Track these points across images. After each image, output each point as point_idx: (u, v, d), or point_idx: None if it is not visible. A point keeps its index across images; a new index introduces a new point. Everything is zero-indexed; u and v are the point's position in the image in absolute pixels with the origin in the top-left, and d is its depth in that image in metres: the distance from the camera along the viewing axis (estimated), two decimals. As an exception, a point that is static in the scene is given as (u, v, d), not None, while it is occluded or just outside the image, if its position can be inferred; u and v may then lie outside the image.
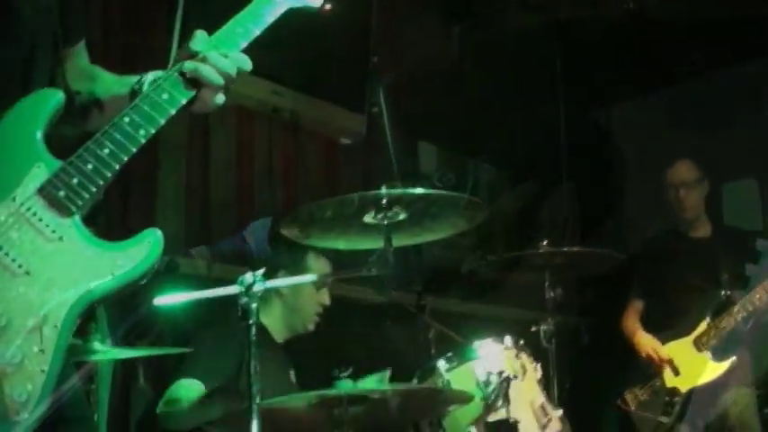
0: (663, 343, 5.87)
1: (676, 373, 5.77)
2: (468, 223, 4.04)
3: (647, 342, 5.91)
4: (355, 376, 4.41)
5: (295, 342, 5.06)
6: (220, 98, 2.30)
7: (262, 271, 3.49)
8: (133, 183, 5.19)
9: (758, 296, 5.67)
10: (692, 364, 5.76)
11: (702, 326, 5.79)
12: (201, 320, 4.87)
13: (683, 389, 5.73)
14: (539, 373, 4.49)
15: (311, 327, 5.02)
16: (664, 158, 6.54)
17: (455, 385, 4.19)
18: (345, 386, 4.10)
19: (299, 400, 3.78)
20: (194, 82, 2.25)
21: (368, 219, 3.86)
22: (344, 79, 6.41)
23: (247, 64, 2.33)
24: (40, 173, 2.09)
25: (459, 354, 4.35)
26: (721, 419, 5.76)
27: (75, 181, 2.09)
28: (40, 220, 2.06)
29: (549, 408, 4.36)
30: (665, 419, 5.70)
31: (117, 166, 2.13)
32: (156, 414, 4.57)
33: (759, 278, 5.75)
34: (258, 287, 3.45)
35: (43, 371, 1.97)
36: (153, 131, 2.18)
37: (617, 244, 7.73)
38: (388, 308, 5.37)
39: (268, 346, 4.71)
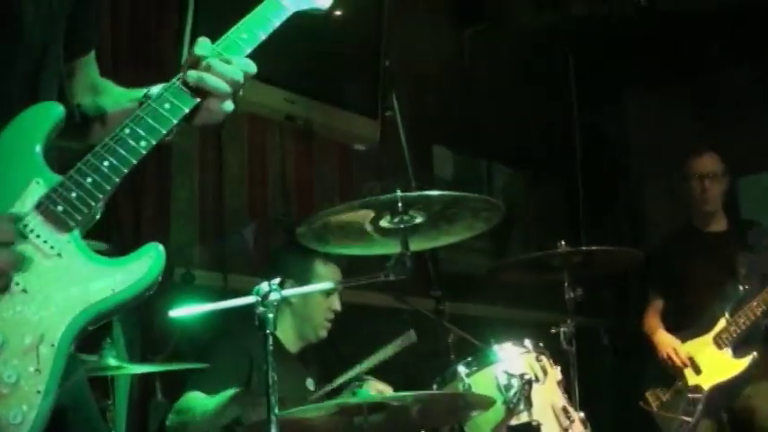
0: (683, 341, 5.84)
1: (697, 371, 5.73)
2: (486, 224, 3.99)
3: (667, 342, 5.86)
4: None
5: (312, 351, 5.01)
6: (228, 106, 2.24)
7: (278, 280, 3.46)
8: (146, 196, 5.15)
9: None
10: (712, 362, 5.72)
11: (722, 322, 5.76)
12: (218, 332, 4.85)
13: (706, 386, 5.70)
14: (559, 376, 4.45)
15: (323, 334, 4.94)
16: (679, 154, 6.48)
17: (476, 390, 4.17)
18: (365, 394, 4.07)
19: (319, 410, 3.74)
20: (198, 90, 2.19)
21: (384, 223, 3.82)
22: (357, 85, 6.40)
23: (253, 68, 2.27)
24: (38, 188, 2.03)
25: (480, 358, 4.32)
26: (746, 413, 5.74)
27: (73, 195, 2.03)
28: (38, 236, 1.99)
29: (570, 410, 4.32)
30: (688, 419, 5.65)
31: (117, 179, 2.07)
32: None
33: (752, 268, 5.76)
34: (274, 296, 3.42)
35: (39, 392, 1.91)
36: (154, 142, 2.12)
37: (633, 242, 7.73)
38: (406, 314, 5.32)
39: (281, 356, 4.65)
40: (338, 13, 6.37)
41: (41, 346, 1.93)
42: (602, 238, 5.22)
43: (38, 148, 2.07)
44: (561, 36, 7.62)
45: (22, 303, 1.95)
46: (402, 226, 3.78)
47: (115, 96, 2.44)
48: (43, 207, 2.01)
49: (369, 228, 3.84)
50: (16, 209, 2.01)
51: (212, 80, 2.18)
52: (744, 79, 8.16)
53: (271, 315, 3.44)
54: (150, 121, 2.13)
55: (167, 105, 2.15)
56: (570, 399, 4.47)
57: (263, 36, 2.35)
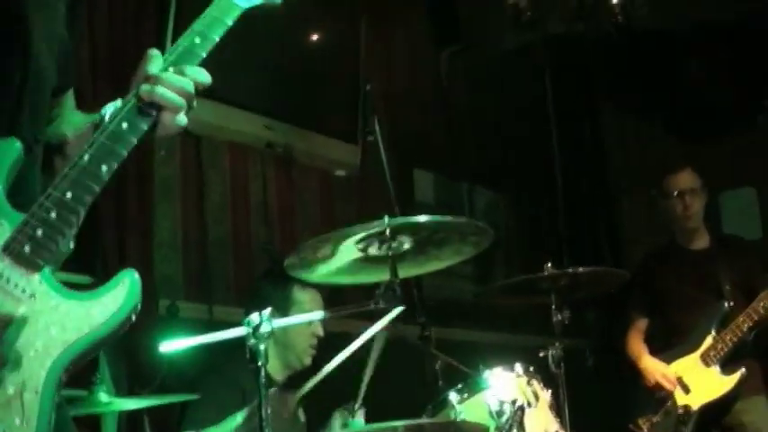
0: (669, 360, 5.83)
1: (686, 390, 5.72)
2: (475, 249, 3.99)
3: (654, 368, 5.85)
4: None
5: (298, 380, 4.98)
6: (182, 119, 2.16)
7: (268, 311, 3.44)
8: (129, 226, 5.13)
9: (762, 304, 5.65)
10: (701, 380, 5.72)
11: (708, 340, 5.75)
12: (205, 365, 4.82)
13: (695, 406, 5.69)
14: (550, 399, 4.44)
15: (308, 360, 4.91)
16: (657, 171, 6.50)
17: (468, 417, 4.12)
18: (357, 425, 4.05)
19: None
20: (153, 105, 2.11)
21: (372, 251, 3.81)
22: (336, 111, 6.39)
23: (205, 77, 2.18)
24: (2, 231, 1.96)
25: (470, 384, 4.29)
26: (737, 430, 5.76)
27: (39, 233, 1.95)
28: (8, 281, 1.92)
29: (562, 434, 4.31)
30: (679, 439, 5.65)
31: (82, 210, 2.01)
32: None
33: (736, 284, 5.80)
34: (265, 328, 3.41)
35: None
36: (116, 165, 2.05)
37: (613, 260, 7.75)
38: (392, 341, 5.30)
39: (269, 387, 4.63)
40: (315, 37, 6.40)
41: (25, 394, 1.87)
42: (583, 259, 5.21)
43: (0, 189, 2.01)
44: (538, 55, 7.63)
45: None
46: (390, 253, 3.78)
47: (75, 122, 2.39)
48: (10, 249, 1.94)
49: (357, 256, 3.85)
50: None
51: (164, 93, 2.11)
52: (720, 95, 8.21)
53: (262, 347, 3.43)
54: (109, 143, 2.05)
55: (125, 125, 2.08)
56: (562, 422, 4.45)
57: (216, 38, 2.26)
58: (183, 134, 5.66)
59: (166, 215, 5.59)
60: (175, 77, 2.13)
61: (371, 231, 3.69)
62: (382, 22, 6.85)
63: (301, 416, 4.80)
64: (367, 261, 3.90)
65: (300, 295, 4.84)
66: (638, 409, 5.88)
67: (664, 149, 8.41)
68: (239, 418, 4.18)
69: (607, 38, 7.04)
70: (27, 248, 1.95)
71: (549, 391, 4.45)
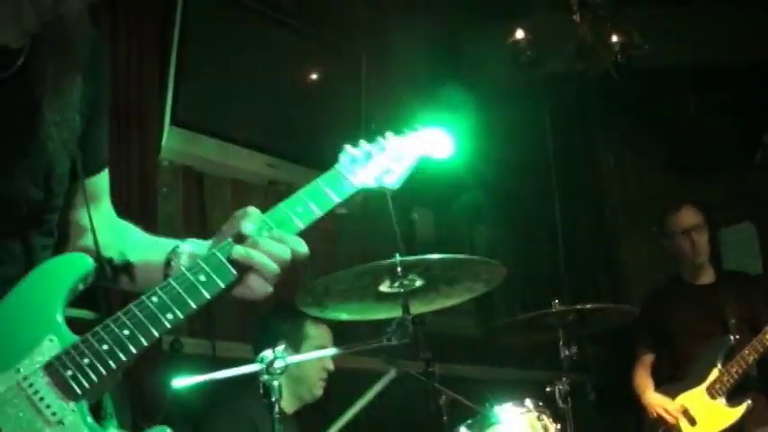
0: (676, 393, 5.84)
1: (692, 422, 5.73)
2: (486, 286, 4.01)
3: (656, 402, 5.88)
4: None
5: (307, 413, 5.00)
6: (269, 287, 2.10)
7: (282, 347, 3.45)
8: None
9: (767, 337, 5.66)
10: (707, 413, 5.74)
11: (714, 373, 5.76)
12: (215, 400, 4.82)
13: (702, 438, 5.69)
14: (558, 434, 4.45)
15: (319, 393, 4.96)
16: (656, 207, 6.53)
17: (479, 453, 4.14)
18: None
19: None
20: (242, 266, 2.05)
21: (384, 288, 3.83)
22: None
23: (303, 248, 2.13)
24: (51, 347, 1.93)
25: (481, 420, 4.29)
26: (744, 462, 5.77)
27: (86, 361, 1.92)
28: (42, 399, 1.89)
29: (574, 468, 4.31)
30: (686, 471, 5.67)
31: (135, 351, 1.96)
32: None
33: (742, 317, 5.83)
34: (279, 364, 3.41)
35: None
36: (182, 317, 2.00)
37: (613, 298, 7.76)
38: (397, 377, 5.31)
39: (284, 422, 4.63)
40: (317, 76, 6.43)
41: None
42: (583, 296, 5.22)
43: (59, 303, 1.98)
44: (538, 94, 7.67)
45: None
46: (402, 290, 3.80)
47: (141, 246, 2.32)
48: (52, 368, 1.91)
49: (369, 293, 3.87)
50: (24, 365, 1.91)
51: (260, 258, 2.05)
52: (718, 132, 8.25)
53: (276, 383, 3.43)
54: (182, 292, 2.00)
55: (203, 278, 2.03)
56: (571, 457, 4.47)
57: (318, 213, 2.22)
58: (185, 170, 5.71)
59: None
60: (275, 244, 2.08)
61: (385, 267, 3.71)
62: (383, 60, 6.89)
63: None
64: (378, 298, 3.92)
65: (312, 330, 4.88)
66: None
67: (662, 186, 8.45)
68: None
69: (607, 76, 7.07)
70: (69, 373, 1.92)
71: (558, 425, 4.46)
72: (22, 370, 1.91)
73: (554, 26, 7.03)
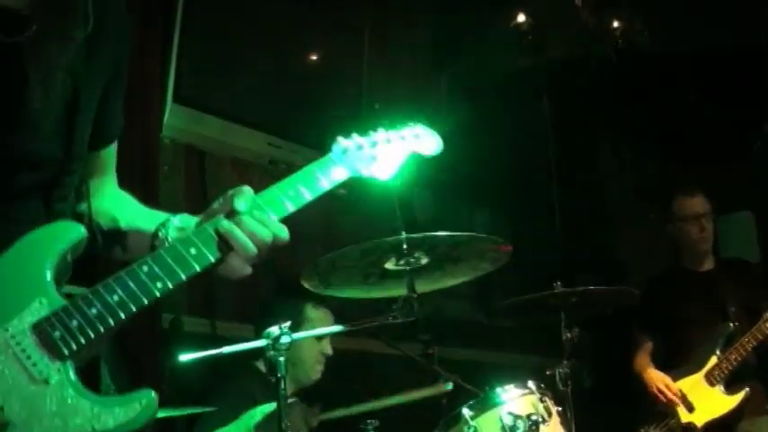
0: (674, 379, 5.83)
1: (690, 408, 5.73)
2: (492, 265, 3.99)
3: (657, 378, 5.86)
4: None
5: (303, 395, 4.98)
6: (248, 268, 2.13)
7: (288, 323, 3.43)
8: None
9: (767, 325, 5.66)
10: (705, 399, 5.74)
11: (713, 360, 5.77)
12: (216, 378, 4.84)
13: (699, 423, 5.70)
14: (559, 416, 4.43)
15: (316, 377, 4.97)
16: (654, 195, 6.52)
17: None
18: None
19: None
20: (226, 243, 2.09)
21: (389, 265, 3.81)
22: (340, 129, 6.37)
23: (285, 234, 2.17)
24: (40, 308, 1.94)
25: (483, 400, 4.27)
26: (740, 450, 5.77)
27: (74, 323, 1.94)
28: (29, 357, 1.91)
29: (575, 450, 4.31)
30: (682, 456, 5.68)
31: (123, 316, 1.98)
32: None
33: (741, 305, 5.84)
34: (285, 340, 3.40)
35: None
36: (171, 287, 2.03)
37: (609, 283, 7.76)
38: (397, 358, 5.31)
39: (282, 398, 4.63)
40: (318, 56, 6.40)
41: None
42: (580, 280, 5.21)
43: (48, 268, 1.99)
44: (538, 78, 7.66)
45: None
46: (408, 268, 3.78)
47: (132, 214, 2.35)
48: (40, 329, 1.93)
49: (374, 271, 3.85)
50: (13, 325, 1.92)
51: (241, 236, 2.08)
52: (717, 121, 8.26)
53: (282, 359, 3.41)
54: (171, 262, 2.04)
55: (193, 250, 2.06)
56: (572, 438, 4.46)
57: (308, 198, 2.27)
58: (187, 149, 5.68)
59: (172, 230, 5.56)
60: (258, 225, 2.11)
61: (391, 244, 3.69)
62: (384, 40, 6.86)
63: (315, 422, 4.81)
64: (383, 276, 3.90)
65: (312, 313, 4.89)
66: (637, 425, 5.90)
67: (660, 173, 8.45)
68: (258, 416, 4.16)
69: (607, 62, 7.06)
70: (57, 334, 1.93)
71: (560, 408, 4.45)
72: (10, 329, 1.92)
73: (555, 11, 7.00)
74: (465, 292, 7.37)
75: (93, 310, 1.95)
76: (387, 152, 2.47)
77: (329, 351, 4.97)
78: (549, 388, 4.51)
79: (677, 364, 5.89)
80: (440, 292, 4.28)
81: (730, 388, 5.72)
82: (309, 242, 6.24)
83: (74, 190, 2.21)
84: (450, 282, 4.12)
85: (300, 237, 6.49)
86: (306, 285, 3.95)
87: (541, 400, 4.30)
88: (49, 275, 1.98)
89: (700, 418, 5.70)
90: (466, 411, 4.19)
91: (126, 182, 2.30)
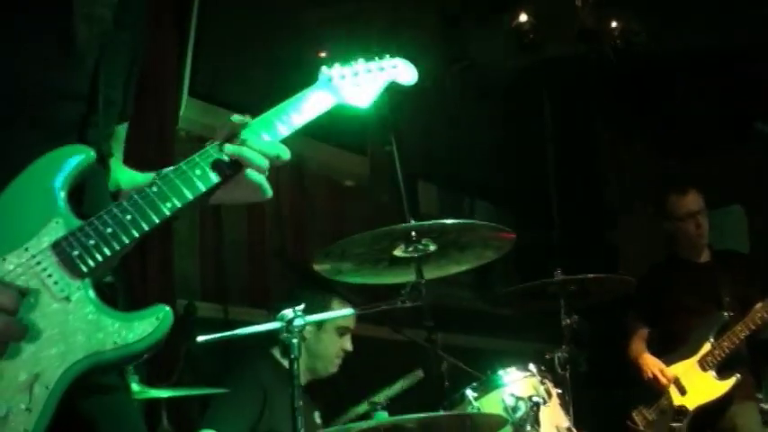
0: (668, 364, 5.85)
1: (683, 392, 5.75)
2: (496, 253, 4.02)
3: (652, 363, 5.89)
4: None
5: (317, 384, 5.01)
6: (268, 189, 2.18)
7: (302, 306, 3.47)
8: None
9: (759, 315, 5.70)
10: (697, 383, 5.76)
11: (706, 346, 5.79)
12: (227, 363, 4.85)
13: (691, 407, 5.72)
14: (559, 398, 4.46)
15: (333, 370, 4.96)
16: (651, 188, 6.54)
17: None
18: (382, 417, 4.07)
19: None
20: (235, 164, 2.12)
21: (398, 252, 3.84)
22: (347, 124, 6.40)
23: (286, 154, 2.19)
24: (57, 228, 1.95)
25: (486, 382, 4.31)
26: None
27: (91, 242, 1.94)
28: (50, 276, 1.92)
29: (573, 430, 4.33)
30: (674, 438, 5.70)
31: (136, 234, 1.99)
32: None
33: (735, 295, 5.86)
34: (298, 322, 3.43)
35: (26, 430, 1.84)
36: (179, 206, 2.04)
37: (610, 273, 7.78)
38: (402, 344, 5.34)
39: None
40: (323, 54, 6.42)
41: (36, 386, 1.86)
42: (576, 271, 5.22)
43: (62, 189, 1.99)
44: (539, 76, 7.68)
45: (22, 339, 1.89)
46: (416, 255, 3.81)
47: (130, 175, 2.35)
48: (59, 248, 1.94)
49: (383, 257, 3.88)
50: (32, 245, 1.93)
51: (250, 153, 2.12)
52: (710, 117, 8.27)
53: (295, 341, 3.44)
54: (179, 183, 2.06)
55: (198, 171, 2.08)
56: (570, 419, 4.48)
57: (297, 123, 2.29)
58: (201, 140, 5.70)
59: (185, 219, 5.58)
60: (263, 142, 2.16)
61: (401, 231, 3.72)
62: (392, 38, 6.88)
63: (317, 418, 4.83)
64: (392, 263, 3.93)
65: (339, 307, 4.81)
66: (631, 407, 5.92)
67: (656, 168, 8.46)
68: None
69: (605, 61, 7.08)
70: (76, 252, 1.94)
71: (559, 390, 4.48)
72: (29, 249, 1.93)
73: (556, 11, 7.02)
74: (467, 281, 7.40)
75: (109, 229, 1.96)
76: (367, 81, 2.49)
77: (350, 347, 4.95)
78: (548, 371, 4.57)
79: (672, 350, 5.90)
80: (443, 281, 4.31)
81: (722, 374, 5.74)
82: (319, 233, 6.29)
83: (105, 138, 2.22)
84: (455, 269, 4.14)
85: (310, 228, 6.55)
86: (318, 270, 3.98)
87: (542, 383, 4.34)
88: (63, 196, 1.99)
89: (692, 402, 5.73)
90: (469, 393, 4.24)
91: (144, 171, 2.33)
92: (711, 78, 7.94)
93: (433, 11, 7.43)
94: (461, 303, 7.35)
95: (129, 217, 1.99)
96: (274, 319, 3.54)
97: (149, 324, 1.95)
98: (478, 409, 4.16)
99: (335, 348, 4.90)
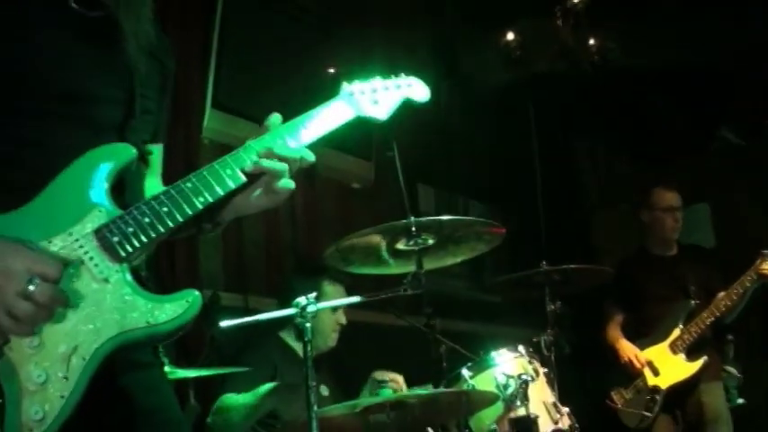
0: (642, 348, 5.84)
1: (656, 373, 5.74)
2: (487, 246, 4.02)
3: (628, 348, 5.87)
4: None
5: (323, 361, 5.00)
6: (289, 182, 2.19)
7: (314, 294, 3.46)
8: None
9: (722, 303, 5.70)
10: (669, 365, 5.75)
11: (676, 332, 5.78)
12: (243, 343, 4.86)
13: (663, 386, 5.71)
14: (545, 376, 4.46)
15: (332, 343, 4.99)
16: (626, 189, 6.53)
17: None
18: (386, 393, 4.07)
19: (352, 408, 3.71)
20: (257, 169, 2.17)
21: (400, 246, 3.84)
22: (353, 132, 6.38)
23: (310, 157, 2.23)
24: (99, 216, 1.97)
25: (480, 362, 4.32)
26: (696, 408, 5.78)
27: (130, 230, 1.97)
28: (91, 258, 1.94)
29: (559, 405, 4.33)
30: (648, 414, 5.68)
31: (171, 225, 2.02)
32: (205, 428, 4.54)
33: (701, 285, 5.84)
34: (311, 309, 3.43)
35: (63, 396, 1.86)
36: (211, 200, 2.07)
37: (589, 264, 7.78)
38: (404, 329, 5.34)
39: (298, 364, 4.65)
40: (332, 70, 6.41)
41: (73, 357, 1.88)
42: (560, 263, 5.21)
43: (105, 181, 2.02)
44: (524, 89, 7.67)
45: (63, 315, 1.91)
46: (416, 248, 3.81)
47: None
48: (100, 234, 1.96)
49: (386, 250, 3.88)
50: (76, 230, 1.96)
51: (269, 164, 2.16)
52: (678, 125, 8.27)
53: (308, 325, 3.44)
54: (211, 180, 2.08)
55: (228, 171, 2.11)
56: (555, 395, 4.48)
57: (321, 130, 2.31)
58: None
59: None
60: (286, 148, 2.19)
61: (402, 227, 3.73)
62: (394, 56, 6.88)
63: (324, 391, 4.83)
64: (395, 255, 3.93)
65: (329, 288, 4.91)
66: (609, 385, 5.92)
67: (629, 171, 8.45)
68: (263, 389, 4.20)
69: (584, 74, 7.07)
70: (116, 239, 1.97)
71: (546, 369, 4.48)
72: (73, 233, 1.95)
73: (539, 30, 7.01)
74: (462, 272, 7.38)
75: (147, 219, 1.99)
76: (385, 97, 2.49)
77: (344, 320, 5.01)
78: (535, 353, 4.56)
79: (645, 335, 5.89)
80: (440, 272, 4.31)
81: (690, 356, 5.72)
82: (329, 230, 6.28)
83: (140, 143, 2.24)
84: (451, 260, 4.15)
85: (321, 226, 6.53)
86: (329, 263, 3.98)
87: (530, 363, 4.36)
88: (106, 187, 2.01)
89: (664, 382, 5.72)
90: (465, 372, 4.26)
91: (170, 178, 2.33)
92: (679, 90, 7.93)
93: (429, 31, 7.42)
94: (457, 292, 7.34)
95: (165, 209, 2.02)
96: (284, 308, 3.55)
97: (180, 306, 1.98)
98: (473, 386, 4.19)
99: (331, 323, 4.93)
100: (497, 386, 4.19)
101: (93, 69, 2.14)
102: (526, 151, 8.12)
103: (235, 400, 4.39)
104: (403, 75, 2.58)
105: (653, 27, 7.11)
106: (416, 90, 2.56)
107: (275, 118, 2.25)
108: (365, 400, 3.68)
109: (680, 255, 6.16)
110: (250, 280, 5.71)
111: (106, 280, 1.95)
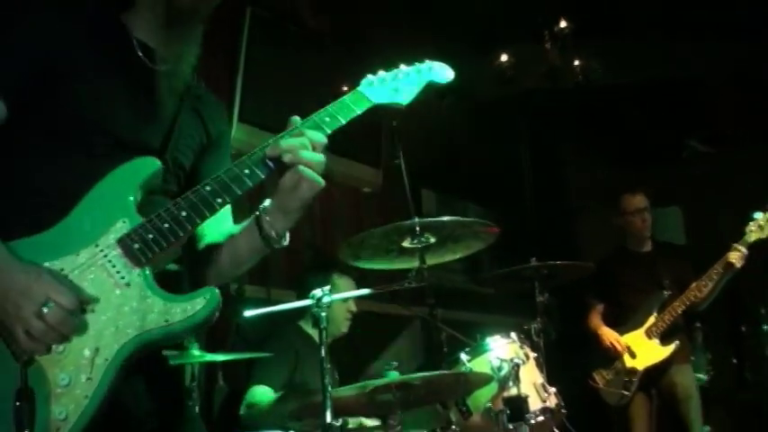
0: (621, 334, 5.82)
1: (633, 356, 5.72)
2: (483, 243, 4.00)
3: (609, 334, 5.85)
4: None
5: (336, 346, 4.98)
6: (320, 179, 2.06)
7: (329, 287, 3.43)
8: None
9: (692, 293, 5.68)
10: (645, 349, 5.73)
11: (651, 319, 5.75)
12: (267, 331, 4.84)
13: (640, 368, 5.70)
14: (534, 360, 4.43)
15: (344, 330, 5.02)
16: (607, 193, 6.50)
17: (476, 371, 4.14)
18: (393, 376, 4.03)
19: (360, 389, 3.67)
20: (279, 161, 2.03)
21: (405, 243, 3.82)
22: (364, 141, 6.37)
23: (321, 138, 2.08)
24: (123, 226, 1.91)
25: (477, 348, 4.30)
26: (669, 388, 5.78)
27: (150, 237, 1.90)
28: (114, 266, 1.88)
29: (547, 386, 4.30)
30: (626, 392, 5.70)
31: (190, 228, 1.94)
32: (233, 409, 4.54)
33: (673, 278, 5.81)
34: (326, 299, 3.40)
35: (87, 396, 1.80)
36: (229, 201, 1.98)
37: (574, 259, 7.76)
38: (408, 318, 5.32)
39: (314, 350, 4.63)
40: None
41: (97, 358, 1.83)
42: (548, 259, 5.19)
43: (131, 194, 1.96)
44: (516, 104, 7.65)
45: (88, 321, 1.86)
46: (420, 246, 3.79)
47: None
48: (123, 243, 1.90)
49: (394, 248, 3.86)
50: (101, 241, 1.90)
51: (300, 152, 2.03)
52: (654, 135, 8.26)
53: (324, 314, 3.41)
54: (228, 181, 1.98)
55: (246, 170, 2.01)
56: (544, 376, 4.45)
57: (344, 121, 2.15)
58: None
59: (235, 218, 5.56)
60: (314, 133, 2.06)
61: (407, 227, 3.71)
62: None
63: (334, 374, 4.82)
64: (400, 252, 3.90)
65: (339, 281, 4.92)
66: (591, 368, 5.90)
67: (609, 176, 8.42)
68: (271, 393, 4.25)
69: (569, 91, 7.05)
70: (137, 246, 1.91)
71: (536, 354, 4.46)
72: (99, 245, 1.91)
73: (530, 53, 6.99)
74: (461, 267, 7.36)
75: (166, 225, 1.92)
76: (406, 83, 2.34)
77: (354, 309, 5.04)
78: (526, 339, 4.54)
79: (623, 322, 5.87)
80: (441, 267, 4.29)
81: (664, 341, 5.71)
82: (342, 230, 6.27)
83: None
84: (451, 256, 4.12)
85: (335, 225, 6.50)
86: (341, 258, 3.96)
87: (521, 348, 4.34)
88: (131, 199, 1.95)
89: (640, 364, 5.70)
90: (463, 356, 4.23)
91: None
92: (653, 104, 7.91)
93: (433, 53, 7.39)
94: (456, 285, 7.31)
95: (183, 213, 1.94)
96: (304, 298, 3.52)
97: (197, 304, 1.90)
98: (471, 369, 4.16)
99: (343, 311, 4.97)
100: (492, 369, 4.16)
101: (141, 119, 2.07)
102: (518, 159, 8.11)
103: (263, 396, 4.47)
104: (425, 61, 2.45)
105: (630, 49, 7.12)
106: (437, 72, 2.43)
107: (296, 118, 2.12)
108: (372, 382, 3.64)
109: (655, 251, 6.13)
110: (271, 274, 5.68)
111: (128, 284, 1.89)
